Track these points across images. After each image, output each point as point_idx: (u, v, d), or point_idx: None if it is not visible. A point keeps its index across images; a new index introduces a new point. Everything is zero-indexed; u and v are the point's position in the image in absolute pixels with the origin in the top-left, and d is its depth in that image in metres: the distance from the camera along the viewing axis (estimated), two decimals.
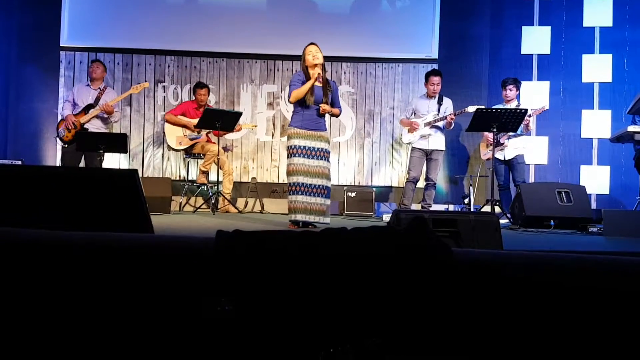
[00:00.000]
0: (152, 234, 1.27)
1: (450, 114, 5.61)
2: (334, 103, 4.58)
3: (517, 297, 0.82)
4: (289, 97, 4.46)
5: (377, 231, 0.86)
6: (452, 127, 5.80)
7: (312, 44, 4.47)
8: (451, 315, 0.91)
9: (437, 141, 5.73)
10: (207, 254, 0.83)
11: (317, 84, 4.43)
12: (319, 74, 4.39)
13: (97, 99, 5.83)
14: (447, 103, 5.78)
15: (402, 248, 0.89)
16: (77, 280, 0.87)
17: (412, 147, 5.81)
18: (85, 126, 5.76)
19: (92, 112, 5.76)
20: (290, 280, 0.86)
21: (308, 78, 4.41)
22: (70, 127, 5.71)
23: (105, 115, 5.81)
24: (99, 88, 5.88)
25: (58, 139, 5.85)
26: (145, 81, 6.64)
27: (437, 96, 5.76)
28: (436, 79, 5.70)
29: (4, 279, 0.87)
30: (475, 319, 0.85)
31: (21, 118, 6.72)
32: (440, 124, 5.70)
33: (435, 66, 6.60)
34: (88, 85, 5.92)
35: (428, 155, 5.74)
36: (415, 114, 5.83)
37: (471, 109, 5.52)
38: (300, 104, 4.42)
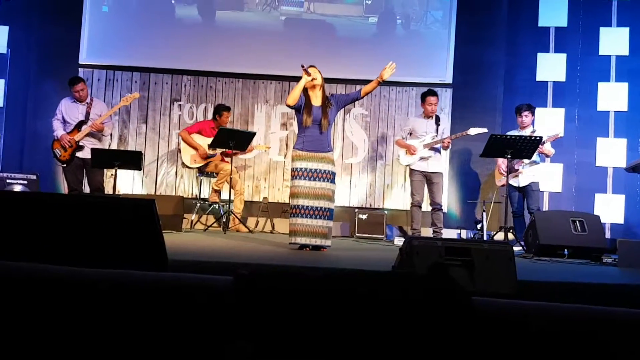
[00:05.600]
0: (167, 271, 1.27)
1: (447, 138, 5.59)
2: (348, 101, 4.67)
3: (537, 351, 0.81)
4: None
5: (397, 276, 0.85)
6: (448, 149, 5.79)
7: (310, 66, 4.50)
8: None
9: (437, 163, 5.68)
10: (227, 296, 0.83)
11: (315, 104, 4.45)
12: (307, 73, 4.36)
13: (87, 114, 5.74)
14: (445, 123, 5.77)
15: (421, 293, 0.88)
16: (98, 320, 0.87)
17: (411, 169, 5.74)
18: (80, 143, 5.67)
19: (85, 129, 5.66)
20: (309, 322, 0.86)
21: (307, 98, 4.43)
22: (66, 146, 5.65)
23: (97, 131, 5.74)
24: (86, 102, 5.78)
25: (55, 160, 5.77)
26: (162, 100, 6.72)
27: (434, 116, 5.74)
28: (433, 99, 5.68)
29: (17, 318, 0.87)
30: None
31: (38, 133, 6.79)
32: (439, 145, 5.66)
33: (450, 91, 6.63)
34: (74, 101, 5.77)
35: (428, 179, 5.68)
36: (411, 134, 5.80)
37: (473, 131, 5.52)
38: (301, 125, 4.45)
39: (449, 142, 5.59)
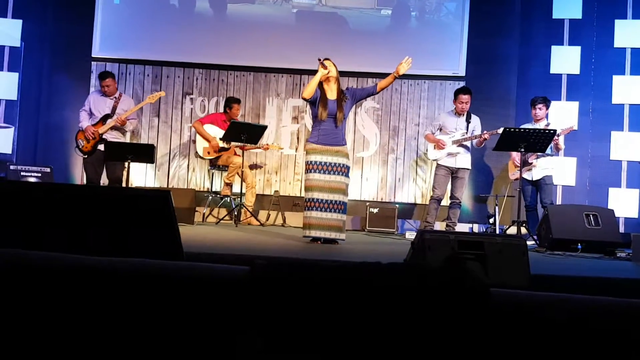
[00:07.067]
0: (183, 261, 1.27)
1: (486, 133, 5.56)
2: (363, 95, 4.73)
3: (558, 344, 0.80)
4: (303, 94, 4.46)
5: (416, 267, 0.85)
6: (482, 146, 5.77)
7: (326, 58, 4.48)
8: (486, 356, 0.89)
9: (464, 160, 5.67)
10: (244, 285, 0.83)
11: (330, 97, 4.43)
12: (323, 66, 4.36)
13: (114, 108, 5.77)
14: (475, 121, 5.72)
15: (439, 284, 0.88)
16: (115, 308, 0.88)
17: (438, 164, 5.73)
18: (103, 137, 5.70)
19: (110, 122, 5.70)
20: (325, 313, 0.86)
21: (322, 91, 4.42)
22: (89, 138, 5.69)
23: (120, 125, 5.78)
24: (114, 97, 5.81)
25: (77, 150, 5.81)
26: (174, 93, 6.73)
27: (465, 113, 5.70)
28: (465, 97, 5.62)
29: (37, 304, 0.88)
30: None
31: (51, 126, 6.85)
32: (468, 142, 5.64)
33: (462, 83, 6.55)
34: (103, 95, 5.82)
35: (454, 173, 5.67)
36: (441, 129, 5.77)
37: (501, 130, 5.46)
38: (316, 118, 4.45)
39: (486, 139, 5.57)
